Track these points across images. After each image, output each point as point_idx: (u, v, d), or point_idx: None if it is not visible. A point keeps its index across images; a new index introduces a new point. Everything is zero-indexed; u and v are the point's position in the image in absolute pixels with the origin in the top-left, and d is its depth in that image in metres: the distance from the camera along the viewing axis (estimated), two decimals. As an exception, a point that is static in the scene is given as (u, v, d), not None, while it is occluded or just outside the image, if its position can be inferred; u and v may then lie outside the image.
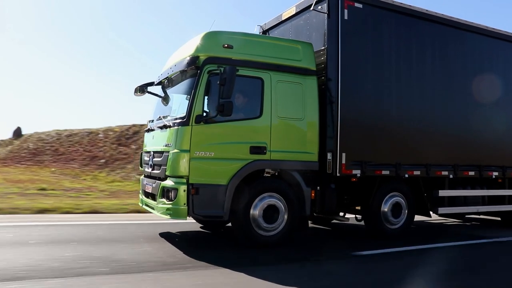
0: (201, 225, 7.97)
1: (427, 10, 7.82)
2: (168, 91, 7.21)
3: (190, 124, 5.91)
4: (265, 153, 6.31)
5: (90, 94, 75.69)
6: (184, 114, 6.01)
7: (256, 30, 8.85)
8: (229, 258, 5.70)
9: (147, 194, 6.96)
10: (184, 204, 5.81)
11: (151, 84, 7.63)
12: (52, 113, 68.07)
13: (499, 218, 10.12)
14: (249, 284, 4.67)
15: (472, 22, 8.40)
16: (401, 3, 7.51)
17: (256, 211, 6.19)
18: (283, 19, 8.13)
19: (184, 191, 5.81)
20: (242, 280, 4.75)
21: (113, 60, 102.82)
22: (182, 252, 5.84)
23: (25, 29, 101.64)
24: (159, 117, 6.87)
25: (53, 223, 8.01)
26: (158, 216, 6.45)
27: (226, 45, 6.24)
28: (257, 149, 6.27)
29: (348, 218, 7.64)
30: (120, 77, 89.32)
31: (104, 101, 78.00)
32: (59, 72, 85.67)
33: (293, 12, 7.81)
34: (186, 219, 6.11)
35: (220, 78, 5.82)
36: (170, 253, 5.81)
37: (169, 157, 6.01)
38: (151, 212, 6.83)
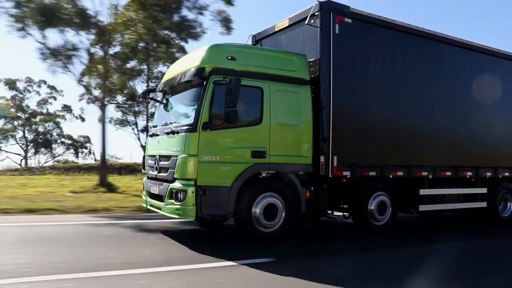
0: (199, 224, 8.43)
1: (408, 24, 8.51)
2: (172, 98, 7.62)
3: (198, 130, 6.38)
4: (265, 157, 6.83)
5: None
6: (192, 121, 6.47)
7: (249, 40, 9.34)
8: (237, 254, 6.07)
9: (152, 195, 7.39)
10: (193, 204, 6.29)
11: (153, 90, 8.05)
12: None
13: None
14: (270, 279, 5.00)
15: (449, 35, 9.15)
16: (386, 18, 8.17)
17: (257, 210, 6.71)
18: (276, 30, 8.65)
19: (193, 192, 6.29)
20: (258, 276, 5.11)
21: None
22: (189, 249, 6.28)
23: None
24: (166, 123, 7.28)
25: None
26: (161, 215, 6.88)
27: (229, 57, 6.74)
28: (258, 153, 6.78)
29: (337, 216, 8.24)
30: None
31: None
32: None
33: (286, 24, 8.34)
34: (194, 218, 6.58)
35: (226, 88, 6.30)
36: (182, 249, 6.27)
37: (177, 161, 6.47)
38: (156, 212, 7.28)
